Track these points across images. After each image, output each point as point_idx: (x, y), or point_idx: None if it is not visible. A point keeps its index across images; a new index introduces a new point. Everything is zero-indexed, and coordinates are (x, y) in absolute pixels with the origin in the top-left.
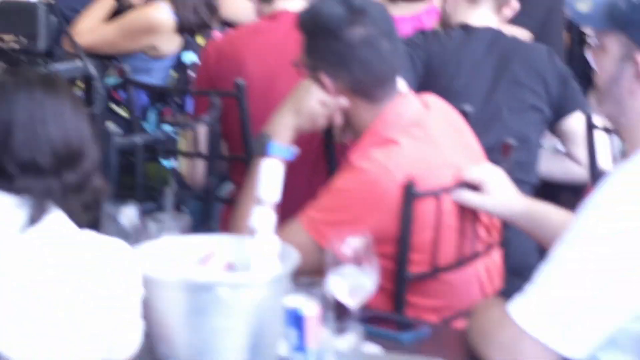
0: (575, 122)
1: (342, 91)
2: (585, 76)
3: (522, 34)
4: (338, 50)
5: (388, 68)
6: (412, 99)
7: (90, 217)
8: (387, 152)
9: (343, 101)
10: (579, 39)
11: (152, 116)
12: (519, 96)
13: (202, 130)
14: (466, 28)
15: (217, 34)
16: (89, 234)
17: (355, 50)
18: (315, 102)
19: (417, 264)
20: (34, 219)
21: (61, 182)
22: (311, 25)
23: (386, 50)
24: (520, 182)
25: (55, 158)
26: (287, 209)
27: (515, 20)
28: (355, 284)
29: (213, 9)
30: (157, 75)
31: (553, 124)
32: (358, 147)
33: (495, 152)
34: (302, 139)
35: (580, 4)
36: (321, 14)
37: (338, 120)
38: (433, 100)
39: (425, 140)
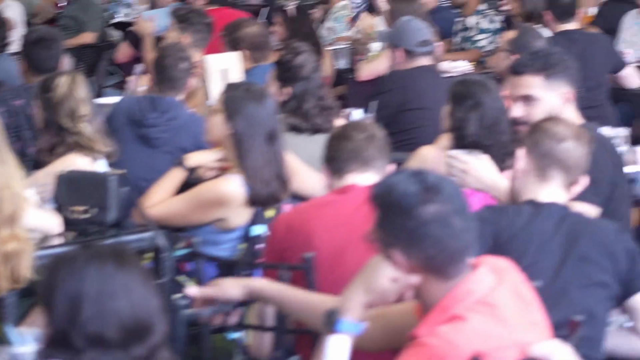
0: None
1: (414, 268)
2: None
3: (590, 210)
4: (411, 228)
5: (460, 245)
6: (484, 275)
7: None
8: (454, 328)
9: (414, 278)
10: None
11: None
12: (587, 272)
13: None
14: (535, 204)
15: (287, 207)
16: None
17: (428, 228)
18: (386, 279)
19: None
20: None
21: (129, 355)
22: (385, 202)
23: (459, 228)
24: (586, 359)
25: (123, 332)
26: None
27: (581, 197)
28: None
29: (284, 183)
30: (226, 247)
31: (621, 301)
32: (425, 323)
33: (563, 329)
34: None
35: None
36: (395, 191)
37: (409, 296)
38: (507, 269)
39: (493, 317)
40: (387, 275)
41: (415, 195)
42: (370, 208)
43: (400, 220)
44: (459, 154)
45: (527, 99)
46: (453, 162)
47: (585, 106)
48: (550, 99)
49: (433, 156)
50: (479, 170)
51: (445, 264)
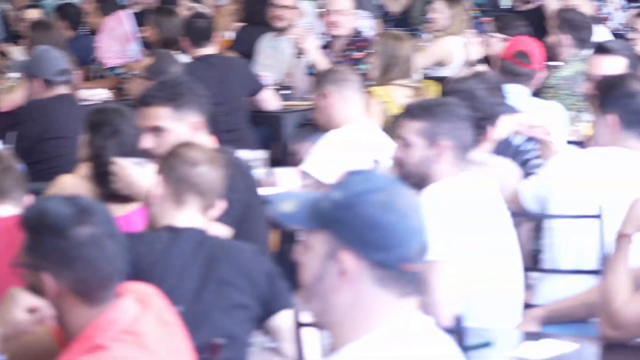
0: (283, 319)
1: (62, 292)
2: (293, 273)
3: (223, 231)
4: (64, 249)
5: (112, 269)
6: (129, 303)
7: None
8: (96, 357)
9: (53, 309)
10: (288, 237)
11: None
12: (226, 295)
13: None
14: (172, 229)
15: None
16: None
17: (82, 250)
18: (22, 311)
19: None
20: None
21: None
22: (37, 224)
23: (111, 252)
24: None
25: None
26: None
27: (214, 218)
28: None
29: None
30: None
31: (262, 321)
32: (67, 353)
33: (205, 352)
34: None
35: (284, 205)
36: (48, 213)
37: (51, 324)
38: (151, 296)
39: (137, 345)
40: (24, 306)
41: (69, 217)
42: (11, 237)
43: (53, 242)
44: (123, 160)
45: (156, 130)
46: (113, 168)
47: (224, 130)
48: (179, 129)
49: (72, 184)
50: (132, 177)
51: (96, 288)
